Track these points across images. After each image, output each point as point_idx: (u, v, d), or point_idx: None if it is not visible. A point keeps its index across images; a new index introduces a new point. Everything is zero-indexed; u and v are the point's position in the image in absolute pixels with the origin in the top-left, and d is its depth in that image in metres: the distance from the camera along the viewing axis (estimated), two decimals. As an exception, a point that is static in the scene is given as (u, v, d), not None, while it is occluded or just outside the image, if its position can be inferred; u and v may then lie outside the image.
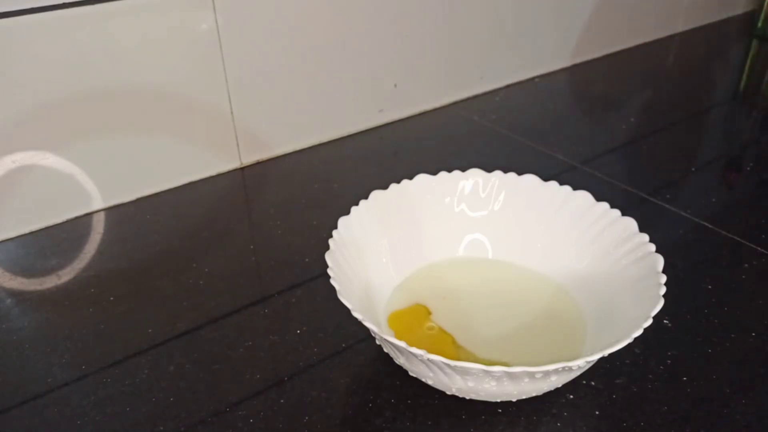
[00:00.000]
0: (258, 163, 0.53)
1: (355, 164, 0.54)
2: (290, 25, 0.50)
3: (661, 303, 0.28)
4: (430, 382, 0.29)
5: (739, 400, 0.31)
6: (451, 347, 0.32)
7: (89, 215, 0.47)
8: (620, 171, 0.51)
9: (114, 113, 0.45)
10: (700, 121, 0.63)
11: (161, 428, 0.30)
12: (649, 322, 0.27)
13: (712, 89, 0.70)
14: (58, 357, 0.34)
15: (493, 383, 0.27)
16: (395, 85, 0.57)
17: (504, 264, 0.38)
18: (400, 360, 0.29)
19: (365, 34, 0.54)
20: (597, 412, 0.30)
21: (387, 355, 0.31)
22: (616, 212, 0.35)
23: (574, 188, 0.37)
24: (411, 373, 0.30)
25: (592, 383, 0.32)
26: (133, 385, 0.32)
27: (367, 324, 0.27)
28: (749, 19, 0.88)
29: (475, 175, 0.38)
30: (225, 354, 0.34)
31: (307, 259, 0.41)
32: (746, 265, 0.40)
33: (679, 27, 0.83)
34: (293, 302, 0.38)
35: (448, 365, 0.25)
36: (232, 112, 0.50)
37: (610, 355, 0.26)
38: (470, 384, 0.27)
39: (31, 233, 0.45)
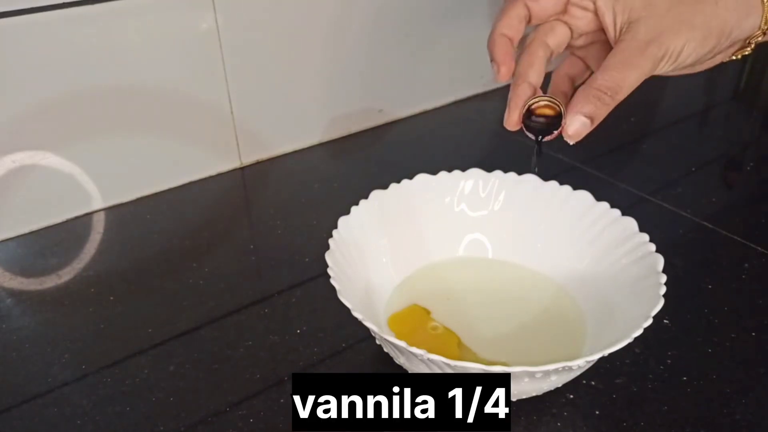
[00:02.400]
0: (258, 163, 0.53)
1: (355, 164, 0.54)
2: (290, 25, 0.50)
3: (661, 303, 0.28)
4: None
5: (739, 400, 0.31)
6: (455, 347, 0.32)
7: (89, 215, 0.46)
8: (620, 171, 0.51)
9: (114, 113, 0.45)
10: (700, 121, 0.63)
11: (161, 428, 0.30)
12: (649, 322, 0.27)
13: (712, 89, 0.70)
14: (58, 357, 0.34)
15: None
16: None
17: (504, 264, 0.38)
18: (400, 360, 0.29)
19: (365, 34, 0.54)
20: (597, 412, 0.30)
21: (387, 355, 0.31)
22: (616, 212, 0.35)
23: (574, 188, 0.37)
24: (411, 373, 0.30)
25: (592, 383, 0.32)
26: (133, 385, 0.32)
27: (367, 324, 0.27)
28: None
29: (475, 175, 0.38)
30: (225, 354, 0.34)
31: (307, 259, 0.41)
32: (746, 265, 0.40)
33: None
34: (293, 302, 0.38)
35: (448, 365, 0.25)
36: (232, 112, 0.50)
37: (610, 355, 0.26)
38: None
39: (31, 233, 0.45)
